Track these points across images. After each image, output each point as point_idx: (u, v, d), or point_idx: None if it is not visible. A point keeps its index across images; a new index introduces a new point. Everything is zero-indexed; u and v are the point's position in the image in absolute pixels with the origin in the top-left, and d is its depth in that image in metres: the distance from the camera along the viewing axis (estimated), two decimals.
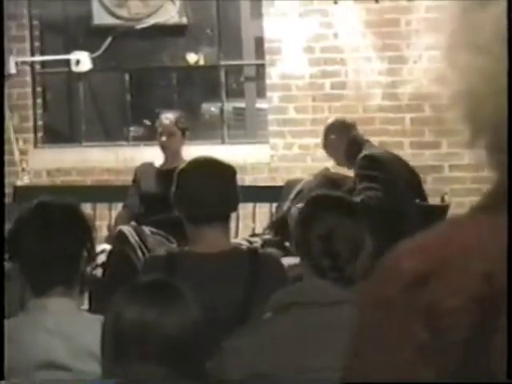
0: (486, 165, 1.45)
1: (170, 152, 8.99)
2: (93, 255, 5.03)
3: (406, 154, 10.01)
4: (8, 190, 10.91)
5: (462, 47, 1.42)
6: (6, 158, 11.08)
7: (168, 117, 9.26)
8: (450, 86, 1.45)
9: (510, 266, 1.30)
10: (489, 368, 1.29)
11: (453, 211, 8.53)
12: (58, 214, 4.83)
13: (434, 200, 9.16)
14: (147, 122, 9.84)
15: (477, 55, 1.38)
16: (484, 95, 1.38)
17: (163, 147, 9.11)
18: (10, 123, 11.14)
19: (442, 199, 9.16)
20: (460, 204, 9.04)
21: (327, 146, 8.83)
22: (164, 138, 9.04)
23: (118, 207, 9.70)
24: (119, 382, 3.13)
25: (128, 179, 9.42)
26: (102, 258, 8.06)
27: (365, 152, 8.30)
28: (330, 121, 8.95)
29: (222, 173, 5.68)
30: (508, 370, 1.30)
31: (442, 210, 8.82)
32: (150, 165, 9.19)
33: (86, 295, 5.07)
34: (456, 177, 9.87)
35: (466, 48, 1.41)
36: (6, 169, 11.06)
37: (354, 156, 8.57)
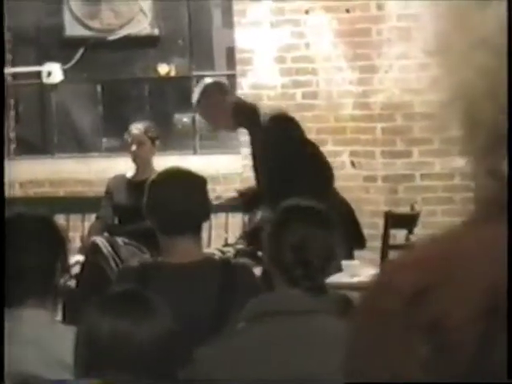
0: (475, 173, 1.41)
1: (141, 162, 9.00)
2: (66, 267, 5.04)
3: (378, 163, 10.04)
4: None
5: (457, 48, 1.39)
6: None
7: (137, 126, 9.29)
8: (445, 90, 1.40)
9: (510, 266, 1.30)
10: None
11: (424, 219, 8.55)
12: (32, 226, 4.83)
13: (404, 209, 9.20)
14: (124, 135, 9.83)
15: (473, 54, 1.37)
16: (481, 96, 1.36)
17: (134, 157, 9.12)
18: None
19: (412, 208, 9.17)
20: (432, 212, 9.06)
21: None
22: (134, 147, 9.05)
23: (91, 218, 9.69)
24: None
25: (101, 190, 9.40)
26: (75, 269, 8.08)
27: None
28: None
29: (193, 183, 5.69)
30: (508, 370, 1.30)
31: (411, 218, 8.84)
32: (122, 176, 9.20)
33: (60, 306, 5.06)
34: (427, 185, 9.88)
35: (461, 48, 1.39)
36: None
37: None
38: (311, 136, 10.08)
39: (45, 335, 4.26)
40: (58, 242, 4.85)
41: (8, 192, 10.93)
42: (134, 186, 8.55)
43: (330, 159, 9.73)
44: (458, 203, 9.38)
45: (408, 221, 8.76)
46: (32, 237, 4.76)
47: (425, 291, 1.32)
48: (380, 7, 10.03)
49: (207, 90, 8.34)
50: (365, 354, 1.37)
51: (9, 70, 11.21)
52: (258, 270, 5.71)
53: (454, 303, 1.30)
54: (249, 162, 10.31)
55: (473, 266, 1.32)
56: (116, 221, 8.94)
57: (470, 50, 1.37)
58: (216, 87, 8.45)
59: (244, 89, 10.59)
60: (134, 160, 9.10)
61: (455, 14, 1.40)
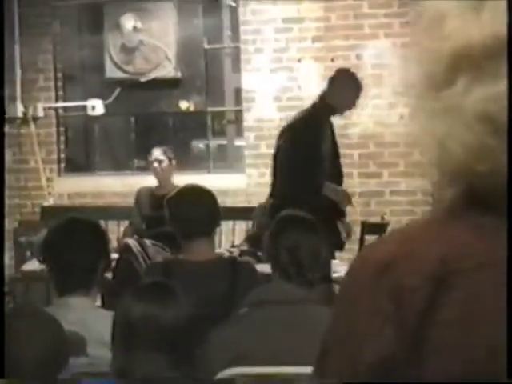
0: (439, 187, 1.40)
1: (162, 177, 9.01)
2: (108, 263, 5.04)
3: (355, 182, 10.02)
4: (37, 210, 10.91)
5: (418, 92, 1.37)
6: (36, 184, 11.08)
7: (158, 149, 9.33)
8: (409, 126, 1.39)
9: (511, 266, 1.28)
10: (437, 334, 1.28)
11: (392, 227, 8.53)
12: (84, 229, 4.83)
13: (376, 219, 9.20)
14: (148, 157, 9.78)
15: (434, 97, 1.35)
16: (438, 135, 1.34)
17: (155, 173, 9.14)
18: (38, 157, 11.11)
19: (382, 218, 9.17)
20: (398, 221, 9.03)
21: None
22: (155, 164, 9.08)
23: (125, 224, 9.68)
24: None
25: (132, 201, 9.41)
26: (112, 265, 8.09)
27: None
28: None
29: (205, 198, 5.75)
30: (508, 370, 1.27)
31: (382, 226, 8.83)
32: (147, 189, 9.20)
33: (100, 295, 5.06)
34: (395, 200, 9.86)
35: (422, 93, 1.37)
36: (35, 193, 11.09)
37: None
38: None
39: (88, 318, 4.25)
40: (103, 244, 4.86)
41: (59, 202, 10.94)
42: (156, 198, 8.55)
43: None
44: (419, 214, 9.36)
45: (379, 228, 8.75)
46: (84, 238, 4.76)
47: (387, 266, 1.31)
48: (358, 57, 10.04)
49: None
50: (342, 312, 1.38)
51: (61, 104, 11.21)
52: (258, 267, 5.69)
53: (409, 273, 1.29)
54: (251, 180, 10.37)
55: (423, 247, 1.31)
56: (144, 226, 8.93)
57: (431, 93, 1.35)
58: None
59: (249, 121, 10.57)
60: (156, 176, 9.12)
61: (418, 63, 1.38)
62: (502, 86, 1.28)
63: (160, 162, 9.13)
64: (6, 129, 11.05)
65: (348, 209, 9.61)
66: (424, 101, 1.36)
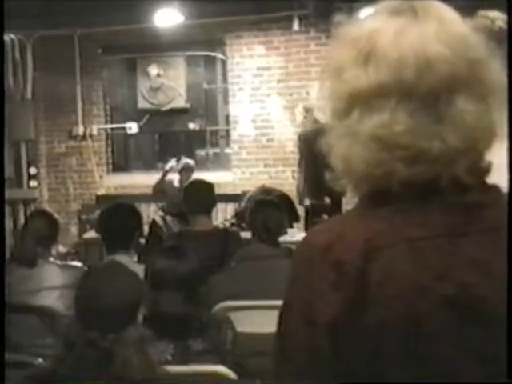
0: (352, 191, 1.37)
1: (186, 179, 8.81)
2: (141, 233, 5.04)
3: None
4: (93, 197, 10.86)
5: (337, 137, 1.34)
6: (92, 180, 11.02)
7: (189, 161, 9.21)
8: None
9: (510, 266, 1.25)
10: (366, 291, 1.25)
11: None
12: (124, 210, 4.83)
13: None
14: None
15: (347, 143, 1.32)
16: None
17: (182, 177, 8.97)
18: (93, 161, 11.02)
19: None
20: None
21: None
22: (183, 172, 8.96)
23: (152, 206, 9.67)
24: None
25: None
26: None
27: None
28: None
29: (207, 186, 5.72)
30: (508, 370, 1.21)
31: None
32: (170, 181, 9.09)
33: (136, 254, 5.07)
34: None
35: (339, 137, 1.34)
36: (92, 186, 11.04)
37: None
38: (270, 163, 10.06)
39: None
40: (138, 219, 4.85)
41: (108, 191, 10.89)
42: (178, 189, 8.47)
43: (281, 175, 9.78)
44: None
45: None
46: (122, 215, 4.76)
47: (328, 246, 1.28)
48: (308, 93, 9.95)
49: None
50: (296, 281, 1.33)
51: (109, 126, 11.12)
52: (242, 234, 5.69)
53: (344, 251, 1.26)
54: (236, 176, 10.35)
55: (351, 232, 1.29)
56: (166, 207, 8.86)
57: (335, 121, 1.34)
58: None
59: (234, 136, 10.51)
60: (181, 176, 8.95)
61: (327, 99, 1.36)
62: (386, 116, 1.26)
63: (189, 170, 8.99)
64: (71, 143, 11.03)
65: None
66: (332, 127, 1.33)
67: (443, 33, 1.27)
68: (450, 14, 1.31)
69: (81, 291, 2.53)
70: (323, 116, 1.36)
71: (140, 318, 2.54)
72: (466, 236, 1.28)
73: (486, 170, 1.32)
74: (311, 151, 8.03)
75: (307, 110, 8.68)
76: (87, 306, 2.46)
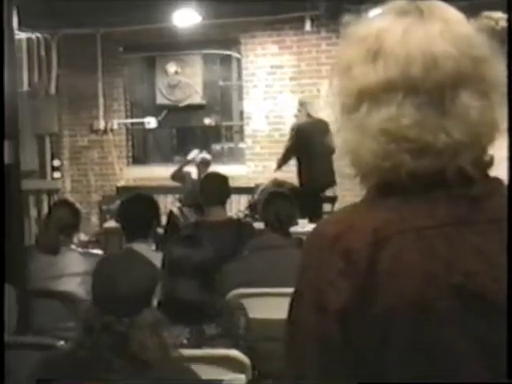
0: (360, 183, 1.37)
1: (203, 171, 8.80)
2: (159, 222, 5.04)
3: None
4: (113, 189, 10.89)
5: (347, 131, 1.34)
6: (112, 172, 11.05)
7: (206, 155, 9.20)
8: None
9: (510, 264, 1.24)
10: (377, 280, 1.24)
11: (341, 200, 8.49)
12: (143, 201, 4.84)
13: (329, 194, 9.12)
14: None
15: (356, 137, 1.32)
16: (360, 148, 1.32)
17: (199, 169, 8.99)
18: (114, 154, 11.05)
19: (333, 193, 9.03)
20: (343, 196, 9.00)
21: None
22: (201, 165, 8.96)
23: (169, 197, 9.68)
24: None
25: (173, 184, 9.26)
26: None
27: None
28: None
29: (222, 179, 5.72)
30: (508, 370, 1.20)
31: (333, 198, 8.77)
32: (188, 174, 9.10)
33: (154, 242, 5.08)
34: (340, 182, 9.79)
35: (349, 131, 1.34)
36: (112, 177, 11.07)
37: None
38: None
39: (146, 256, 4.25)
40: (156, 210, 4.86)
41: (127, 183, 10.91)
42: (195, 181, 8.47)
43: (292, 168, 9.74)
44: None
45: (332, 200, 8.73)
46: (141, 206, 4.77)
47: (337, 237, 1.28)
48: (318, 90, 9.94)
49: None
50: (307, 268, 1.32)
51: (129, 121, 11.14)
52: (255, 225, 5.69)
53: (353, 241, 1.25)
54: (250, 169, 10.35)
55: (359, 222, 1.29)
56: (183, 198, 8.86)
57: (345, 116, 1.34)
58: None
59: (248, 131, 10.52)
60: (198, 169, 8.97)
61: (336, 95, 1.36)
62: (393, 110, 1.27)
63: (206, 164, 9.01)
64: (93, 137, 11.05)
65: None
66: (341, 121, 1.34)
67: (448, 32, 1.28)
68: (454, 15, 1.32)
69: (97, 278, 2.53)
70: (331, 111, 1.35)
71: (155, 302, 2.54)
72: (470, 226, 1.28)
73: (489, 163, 1.32)
74: (303, 143, 8.20)
75: (301, 104, 8.83)
76: (104, 292, 2.46)
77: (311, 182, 8.40)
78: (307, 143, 8.07)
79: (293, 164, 9.84)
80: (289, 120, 10.02)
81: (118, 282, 2.47)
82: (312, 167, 8.29)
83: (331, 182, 8.31)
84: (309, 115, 8.43)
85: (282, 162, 8.66)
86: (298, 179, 8.64)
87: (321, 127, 6.70)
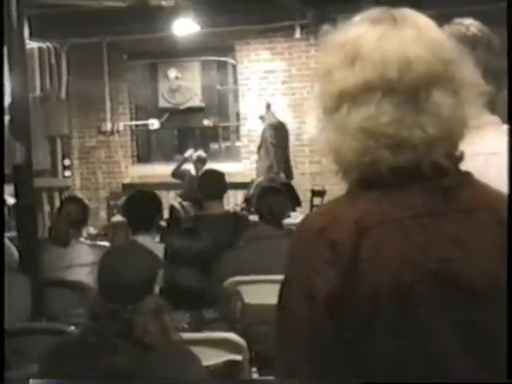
0: (342, 178, 1.37)
1: (200, 168, 8.85)
2: (161, 216, 5.03)
3: (306, 166, 9.97)
4: (119, 185, 10.89)
5: (329, 131, 1.34)
6: (118, 170, 11.05)
7: (201, 153, 9.27)
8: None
9: (510, 264, 1.24)
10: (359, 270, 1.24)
11: (329, 194, 8.50)
12: (147, 196, 4.83)
13: (319, 188, 9.15)
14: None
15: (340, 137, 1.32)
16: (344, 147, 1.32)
17: (196, 166, 9.05)
18: (120, 154, 11.05)
19: (323, 188, 9.07)
20: (331, 190, 9.01)
21: None
22: (197, 162, 9.01)
23: (171, 193, 9.66)
24: None
25: (174, 181, 9.31)
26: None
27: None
28: None
29: (219, 175, 5.71)
30: (508, 370, 1.20)
31: (322, 192, 8.79)
32: (188, 171, 9.12)
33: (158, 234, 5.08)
34: (330, 177, 9.78)
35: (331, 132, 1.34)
36: (119, 175, 11.06)
37: None
38: None
39: (150, 247, 4.23)
40: (159, 205, 4.84)
41: (132, 180, 10.90)
42: (194, 177, 8.48)
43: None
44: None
45: (321, 194, 8.75)
46: (145, 201, 4.75)
47: (322, 228, 1.28)
48: (308, 93, 9.95)
49: None
50: (294, 258, 1.32)
51: (133, 123, 11.12)
52: (250, 217, 5.69)
53: (337, 232, 1.25)
54: (245, 166, 10.34)
55: (343, 215, 1.29)
56: (184, 193, 8.86)
57: (326, 116, 1.34)
58: None
59: (244, 131, 10.52)
60: (196, 167, 9.02)
61: (318, 98, 1.36)
62: (372, 109, 1.27)
63: (202, 161, 9.06)
64: (100, 137, 11.04)
65: (304, 182, 9.64)
66: (323, 122, 1.34)
67: (420, 37, 1.28)
68: (426, 22, 1.32)
69: (102, 269, 2.53)
70: (315, 112, 1.35)
71: (156, 289, 2.54)
72: (445, 215, 1.28)
73: (460, 157, 1.33)
74: (271, 141, 8.93)
75: (268, 107, 9.42)
76: (108, 282, 2.46)
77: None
78: (273, 141, 8.99)
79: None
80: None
81: (121, 272, 2.46)
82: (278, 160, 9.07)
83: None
84: (273, 116, 9.39)
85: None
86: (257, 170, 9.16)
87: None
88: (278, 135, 9.20)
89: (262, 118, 9.49)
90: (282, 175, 8.89)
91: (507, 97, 1.34)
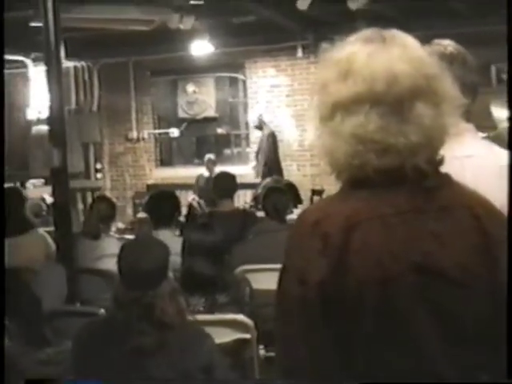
0: (336, 179, 1.35)
1: (211, 170, 8.86)
2: (180, 213, 5.02)
3: (307, 169, 9.95)
4: (144, 186, 10.89)
5: (324, 137, 1.34)
6: (143, 172, 11.06)
7: (210, 156, 9.29)
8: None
9: (510, 264, 1.23)
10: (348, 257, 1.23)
11: (326, 192, 8.45)
12: (167, 196, 4.82)
13: (318, 187, 9.11)
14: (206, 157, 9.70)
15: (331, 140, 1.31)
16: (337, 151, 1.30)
17: (208, 167, 9.08)
18: (145, 158, 11.07)
19: (321, 187, 9.01)
20: (329, 190, 8.95)
21: None
22: (209, 163, 9.03)
23: (189, 193, 9.66)
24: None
25: (193, 182, 9.33)
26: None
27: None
28: None
29: (230, 177, 5.69)
30: (508, 370, 1.17)
31: (320, 192, 8.75)
32: (202, 174, 9.14)
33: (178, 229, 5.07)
34: (327, 178, 9.74)
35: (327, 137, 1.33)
36: (143, 177, 11.06)
37: None
38: (280, 159, 9.93)
39: (169, 241, 4.22)
40: (178, 203, 4.83)
41: (156, 181, 10.90)
42: (207, 179, 8.48)
43: (289, 167, 9.75)
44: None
45: (320, 193, 8.71)
46: (167, 200, 4.75)
47: (316, 222, 1.27)
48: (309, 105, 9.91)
49: None
50: (291, 248, 1.31)
51: (157, 131, 11.12)
52: (258, 214, 5.67)
53: (329, 226, 1.24)
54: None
55: (335, 211, 1.28)
56: (200, 193, 8.85)
57: (322, 123, 1.33)
58: None
59: (253, 139, 10.48)
60: (208, 167, 9.03)
61: (315, 108, 1.35)
62: (362, 118, 1.26)
63: (211, 163, 9.09)
64: (128, 144, 11.05)
65: (305, 182, 9.60)
66: (319, 129, 1.33)
67: (406, 55, 1.27)
68: (412, 41, 1.32)
69: (122, 260, 2.52)
70: (313, 120, 1.34)
71: (170, 275, 2.54)
72: (426, 213, 1.27)
73: (440, 161, 1.31)
74: (266, 147, 9.28)
75: (260, 118, 9.68)
76: (129, 271, 2.45)
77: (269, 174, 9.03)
78: (267, 147, 9.43)
79: (289, 164, 9.86)
80: (285, 129, 10.01)
81: (140, 262, 2.46)
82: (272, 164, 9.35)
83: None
84: (266, 127, 9.63)
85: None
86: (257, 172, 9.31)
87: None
88: (271, 142, 9.43)
89: (257, 127, 9.64)
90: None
91: (507, 96, 1.31)
